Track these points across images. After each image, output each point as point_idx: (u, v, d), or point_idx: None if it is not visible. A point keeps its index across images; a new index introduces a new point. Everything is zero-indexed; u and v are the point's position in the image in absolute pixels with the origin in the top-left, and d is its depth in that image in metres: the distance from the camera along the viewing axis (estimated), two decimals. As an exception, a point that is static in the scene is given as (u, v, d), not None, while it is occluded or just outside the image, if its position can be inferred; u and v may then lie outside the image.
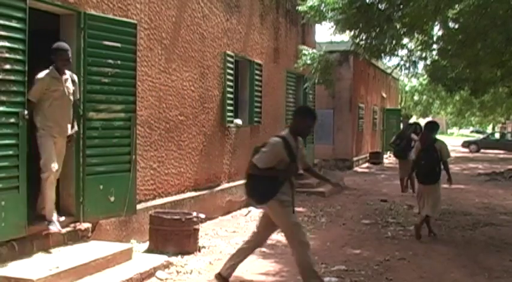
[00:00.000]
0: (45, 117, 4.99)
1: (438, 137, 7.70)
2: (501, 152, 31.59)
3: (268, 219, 4.71)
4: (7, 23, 4.46)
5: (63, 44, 5.09)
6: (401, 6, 7.95)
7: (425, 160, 7.27)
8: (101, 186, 5.52)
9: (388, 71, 20.01)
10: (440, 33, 9.88)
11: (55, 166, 4.97)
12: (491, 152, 31.48)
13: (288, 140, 4.55)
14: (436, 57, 11.03)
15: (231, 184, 9.14)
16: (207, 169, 8.31)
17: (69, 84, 5.11)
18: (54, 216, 5.02)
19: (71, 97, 5.15)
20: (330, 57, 11.28)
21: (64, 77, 5.06)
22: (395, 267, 5.81)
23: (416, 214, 9.12)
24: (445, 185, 7.55)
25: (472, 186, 13.19)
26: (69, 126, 5.19)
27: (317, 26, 13.41)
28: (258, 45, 10.26)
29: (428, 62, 11.57)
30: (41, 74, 4.98)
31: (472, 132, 46.61)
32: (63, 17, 5.48)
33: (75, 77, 5.23)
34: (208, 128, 8.32)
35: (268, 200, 4.51)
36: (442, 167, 7.31)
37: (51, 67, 5.02)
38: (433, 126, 7.53)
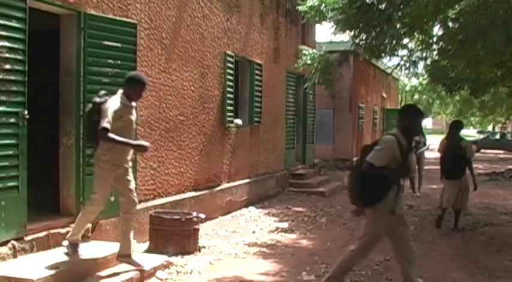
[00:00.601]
0: (110, 148, 4.66)
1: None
2: (501, 152, 31.58)
3: (387, 231, 4.44)
4: (7, 23, 4.47)
5: (145, 78, 4.91)
6: (401, 6, 7.93)
7: (452, 157, 7.81)
8: (101, 186, 5.51)
9: (388, 71, 19.98)
10: (440, 33, 9.86)
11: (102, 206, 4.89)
12: (491, 152, 31.46)
13: (399, 139, 4.40)
14: (436, 57, 11.01)
15: (231, 184, 9.14)
16: (207, 169, 8.31)
17: (134, 111, 4.89)
18: (80, 249, 4.86)
19: (135, 125, 4.95)
20: (330, 57, 11.26)
21: (132, 103, 4.83)
22: (395, 267, 5.75)
23: (417, 214, 9.15)
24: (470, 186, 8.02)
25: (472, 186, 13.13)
26: (131, 153, 4.95)
27: (317, 26, 13.41)
28: (258, 45, 10.26)
29: (428, 62, 11.55)
30: (115, 104, 4.61)
31: (478, 132, 46.42)
32: (63, 17, 5.48)
33: (135, 104, 4.96)
34: (208, 128, 8.32)
35: (376, 202, 4.30)
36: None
37: (120, 94, 4.75)
38: (458, 125, 8.17)
